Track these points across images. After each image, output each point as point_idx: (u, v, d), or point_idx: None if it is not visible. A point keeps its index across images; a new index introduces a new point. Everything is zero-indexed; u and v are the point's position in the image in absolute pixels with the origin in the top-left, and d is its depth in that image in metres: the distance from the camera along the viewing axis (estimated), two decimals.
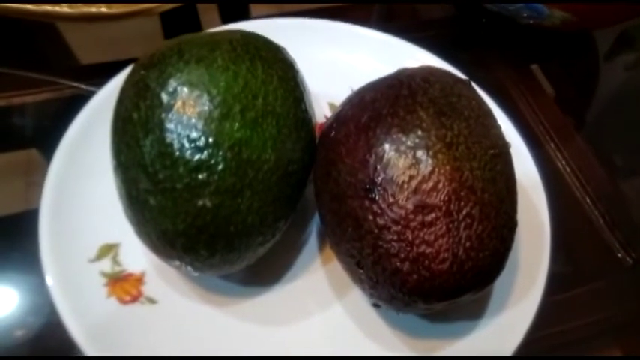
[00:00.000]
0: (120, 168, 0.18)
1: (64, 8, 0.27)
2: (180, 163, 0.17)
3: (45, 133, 0.28)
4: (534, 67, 0.35)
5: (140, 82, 0.18)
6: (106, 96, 0.24)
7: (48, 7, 0.27)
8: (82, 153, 0.23)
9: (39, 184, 0.26)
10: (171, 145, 0.17)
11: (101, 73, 0.28)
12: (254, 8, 0.36)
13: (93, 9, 0.27)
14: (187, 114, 0.17)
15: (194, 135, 0.17)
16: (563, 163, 0.30)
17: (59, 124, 0.26)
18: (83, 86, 0.29)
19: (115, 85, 0.25)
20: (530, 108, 0.32)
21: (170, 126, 0.17)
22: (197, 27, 0.32)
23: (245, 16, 0.36)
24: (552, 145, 0.30)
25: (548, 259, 0.22)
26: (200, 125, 0.17)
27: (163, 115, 0.17)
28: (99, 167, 0.23)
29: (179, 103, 0.18)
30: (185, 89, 0.18)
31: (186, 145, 0.17)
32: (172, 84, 0.18)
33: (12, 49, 0.32)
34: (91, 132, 0.24)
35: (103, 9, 0.27)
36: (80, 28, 0.32)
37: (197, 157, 0.17)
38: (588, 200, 0.28)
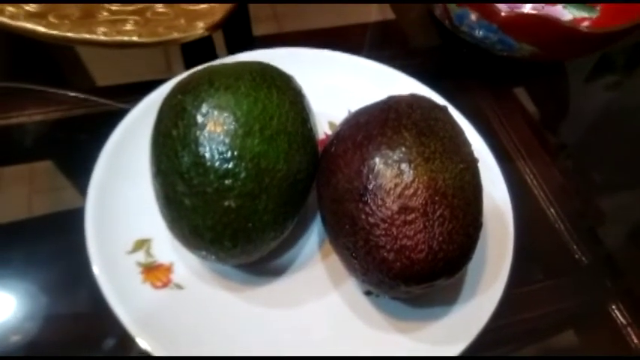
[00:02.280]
0: (160, 174, 0.22)
1: (101, 36, 0.31)
2: (210, 171, 0.21)
3: (73, 145, 0.32)
4: (519, 90, 0.40)
5: (178, 105, 0.22)
6: (140, 112, 0.29)
7: (86, 35, 0.32)
8: (120, 161, 0.27)
9: (43, 192, 0.30)
10: (203, 156, 0.21)
11: (124, 93, 0.33)
12: (255, 28, 0.41)
13: (125, 38, 0.31)
14: (217, 132, 0.22)
15: (222, 149, 0.22)
16: (531, 176, 0.34)
17: (87, 137, 0.30)
18: (113, 104, 0.33)
19: (146, 103, 0.29)
20: (503, 128, 0.36)
21: (203, 141, 0.22)
22: (213, 53, 0.37)
23: (249, 38, 0.40)
24: (522, 160, 0.35)
25: (511, 256, 0.27)
26: (227, 141, 0.22)
27: (198, 133, 0.22)
28: (134, 173, 0.27)
29: (210, 123, 0.22)
30: (215, 111, 0.22)
31: (216, 156, 0.21)
32: (205, 107, 0.22)
33: (38, 69, 0.36)
34: (126, 143, 0.28)
35: (135, 38, 0.31)
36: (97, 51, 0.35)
37: (224, 166, 0.21)
38: (551, 209, 0.33)
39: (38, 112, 0.33)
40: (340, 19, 0.44)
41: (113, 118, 0.29)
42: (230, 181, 0.21)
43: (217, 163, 0.21)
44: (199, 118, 0.22)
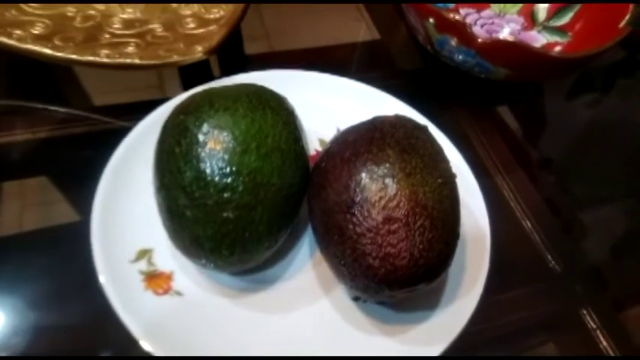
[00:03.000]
0: (163, 188, 0.24)
1: (104, 59, 0.33)
2: (211, 185, 0.23)
3: (76, 161, 0.34)
4: (498, 109, 0.42)
5: (181, 124, 0.24)
6: (141, 131, 0.31)
7: (90, 58, 0.33)
8: (122, 176, 0.29)
9: (34, 206, 0.31)
10: (204, 171, 0.23)
11: (122, 112, 0.35)
12: (247, 46, 0.43)
13: (128, 60, 0.33)
14: (217, 149, 0.24)
15: (221, 165, 0.23)
16: (508, 190, 0.37)
17: (89, 153, 0.32)
18: (114, 121, 0.35)
19: (147, 122, 0.31)
20: (482, 146, 0.39)
21: (204, 158, 0.23)
22: (209, 72, 0.39)
23: (241, 56, 0.42)
24: (499, 175, 0.37)
25: (488, 264, 0.29)
26: (226, 157, 0.24)
27: (199, 150, 0.24)
28: (136, 188, 0.29)
29: (211, 141, 0.24)
30: (215, 131, 0.24)
31: (216, 172, 0.23)
32: (206, 127, 0.24)
33: (38, 88, 0.38)
34: (128, 159, 0.30)
35: (136, 60, 0.33)
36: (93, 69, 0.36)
37: (223, 181, 0.23)
38: (527, 221, 0.35)
39: (42, 130, 0.35)
40: (330, 38, 0.46)
41: (112, 136, 0.31)
42: (229, 194, 0.23)
43: (217, 178, 0.23)
44: (201, 137, 0.24)
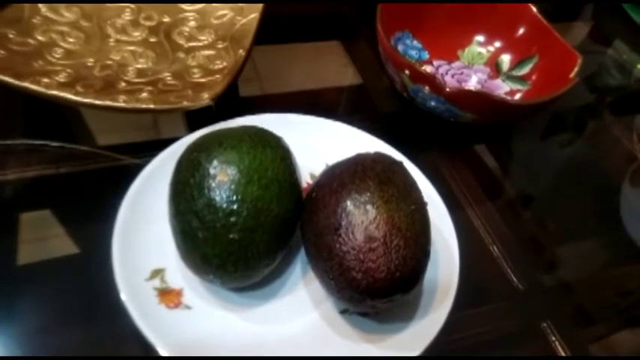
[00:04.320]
0: (179, 214, 0.29)
1: (122, 104, 0.38)
2: (219, 211, 0.28)
3: (92, 194, 0.38)
4: (469, 147, 0.47)
5: (194, 160, 0.29)
6: (156, 165, 0.35)
7: (109, 103, 0.38)
8: (139, 205, 0.33)
9: (30, 241, 0.35)
10: (214, 199, 0.28)
11: (129, 150, 0.40)
12: (241, 88, 0.48)
13: (143, 105, 0.38)
14: (225, 181, 0.28)
15: (229, 193, 0.28)
16: (477, 219, 0.41)
17: (104, 188, 0.36)
18: (126, 159, 0.40)
19: (159, 159, 0.35)
20: (454, 180, 0.44)
21: (214, 188, 0.28)
22: (211, 113, 0.43)
23: (236, 98, 0.47)
24: (469, 206, 0.42)
25: (457, 282, 0.33)
26: (233, 187, 0.28)
27: (210, 181, 0.28)
28: (151, 215, 0.33)
29: (220, 174, 0.28)
30: (224, 165, 0.28)
31: (224, 199, 0.28)
32: (216, 162, 0.29)
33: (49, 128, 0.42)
34: (144, 191, 0.34)
35: (151, 105, 0.38)
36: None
37: (230, 207, 0.28)
38: (494, 245, 0.40)
39: (60, 166, 0.39)
40: (318, 82, 0.51)
41: (119, 172, 0.35)
42: (234, 218, 0.28)
43: (225, 205, 0.28)
44: (211, 170, 0.28)
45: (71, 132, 0.43)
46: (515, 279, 0.38)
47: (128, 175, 0.35)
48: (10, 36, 0.42)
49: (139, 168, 0.35)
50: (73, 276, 0.33)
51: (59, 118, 0.43)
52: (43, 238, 0.35)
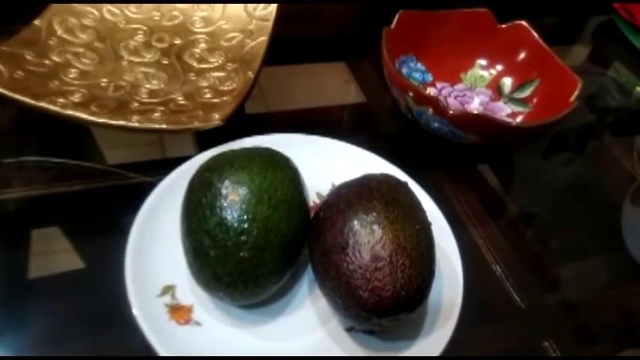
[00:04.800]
0: (191, 232, 0.29)
1: (135, 124, 0.39)
2: (231, 230, 0.29)
3: (106, 211, 0.39)
4: (483, 167, 0.48)
5: (207, 180, 0.30)
6: (167, 184, 0.36)
7: (123, 122, 0.39)
8: (150, 224, 0.34)
9: (44, 255, 0.36)
10: (226, 218, 0.29)
11: (142, 168, 0.41)
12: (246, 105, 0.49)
13: (156, 125, 0.39)
14: (236, 200, 0.29)
15: (240, 213, 0.29)
16: (480, 238, 0.42)
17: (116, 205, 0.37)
18: (138, 177, 0.41)
19: (172, 177, 0.36)
20: (458, 201, 0.45)
21: (226, 207, 0.29)
22: (221, 132, 0.44)
23: (242, 116, 0.47)
24: (473, 226, 0.43)
25: (461, 301, 0.34)
26: (243, 207, 0.29)
27: (222, 201, 0.29)
28: (162, 233, 0.34)
29: (232, 194, 0.29)
30: (235, 185, 0.29)
31: (235, 219, 0.29)
32: (227, 182, 0.30)
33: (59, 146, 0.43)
34: (155, 210, 0.35)
35: (164, 125, 0.39)
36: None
37: (241, 226, 0.29)
38: (496, 265, 0.40)
39: (74, 183, 0.40)
40: (321, 99, 0.53)
41: (129, 190, 0.36)
42: (245, 237, 0.29)
43: (236, 224, 0.29)
44: (223, 190, 0.29)
45: (79, 148, 0.44)
46: (517, 298, 0.39)
47: (138, 192, 0.36)
48: (28, 57, 0.43)
49: (149, 185, 0.36)
50: (84, 290, 0.34)
51: (67, 135, 0.44)
52: (54, 252, 0.36)
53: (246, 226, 0.29)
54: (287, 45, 0.55)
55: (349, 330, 0.33)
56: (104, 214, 0.39)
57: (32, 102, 0.39)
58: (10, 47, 0.43)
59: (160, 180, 0.37)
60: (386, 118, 0.52)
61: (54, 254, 0.36)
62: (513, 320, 0.38)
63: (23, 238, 0.36)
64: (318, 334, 0.32)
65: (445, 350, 0.31)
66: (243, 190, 0.29)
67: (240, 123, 0.44)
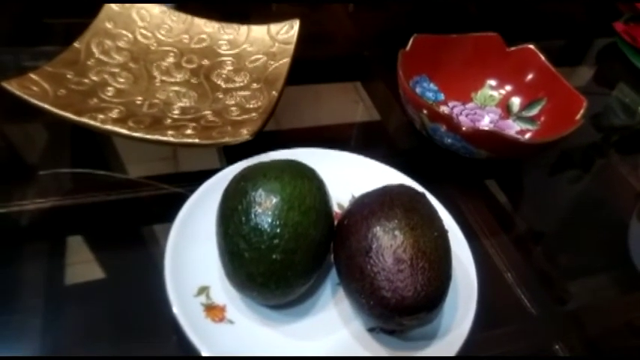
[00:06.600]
0: (227, 236, 0.32)
1: (170, 138, 0.42)
2: (264, 234, 0.31)
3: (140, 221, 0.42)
4: (483, 182, 0.51)
5: (242, 189, 0.33)
6: (201, 192, 0.39)
7: (159, 137, 0.42)
8: (186, 229, 0.37)
9: (77, 263, 0.38)
10: (260, 224, 0.31)
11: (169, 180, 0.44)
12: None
13: (189, 140, 0.42)
14: (269, 207, 0.32)
15: (272, 219, 0.31)
16: (492, 247, 0.44)
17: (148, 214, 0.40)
18: (170, 188, 0.44)
19: (205, 187, 0.39)
20: (470, 213, 0.47)
21: (260, 214, 0.31)
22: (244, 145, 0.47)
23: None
24: (485, 237, 0.45)
25: (475, 305, 0.36)
26: (276, 213, 0.32)
27: (256, 208, 0.32)
28: (197, 238, 0.36)
29: (265, 202, 0.32)
30: (269, 194, 0.32)
31: (269, 224, 0.31)
32: (261, 191, 0.32)
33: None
34: (191, 216, 0.37)
35: (197, 140, 0.42)
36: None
37: (274, 231, 0.31)
38: (509, 273, 0.43)
39: (110, 193, 0.43)
40: (330, 118, 0.55)
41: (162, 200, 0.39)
42: (277, 240, 0.31)
43: (269, 229, 0.31)
44: (257, 198, 0.32)
45: (105, 161, 0.47)
46: (528, 304, 0.41)
47: (168, 201, 0.38)
48: (69, 76, 0.47)
49: (177, 196, 0.39)
50: (127, 293, 0.36)
51: (95, 149, 0.47)
52: (91, 260, 0.39)
53: (278, 230, 0.31)
54: (305, 66, 0.59)
55: (371, 330, 0.35)
56: (139, 222, 0.41)
57: (75, 117, 0.42)
58: (53, 68, 0.46)
59: (189, 191, 0.39)
60: (400, 135, 0.55)
61: (88, 261, 0.38)
62: (525, 324, 0.40)
63: (65, 246, 0.39)
64: (341, 334, 0.35)
65: (460, 351, 0.33)
66: (275, 198, 0.32)
67: (258, 139, 0.47)
